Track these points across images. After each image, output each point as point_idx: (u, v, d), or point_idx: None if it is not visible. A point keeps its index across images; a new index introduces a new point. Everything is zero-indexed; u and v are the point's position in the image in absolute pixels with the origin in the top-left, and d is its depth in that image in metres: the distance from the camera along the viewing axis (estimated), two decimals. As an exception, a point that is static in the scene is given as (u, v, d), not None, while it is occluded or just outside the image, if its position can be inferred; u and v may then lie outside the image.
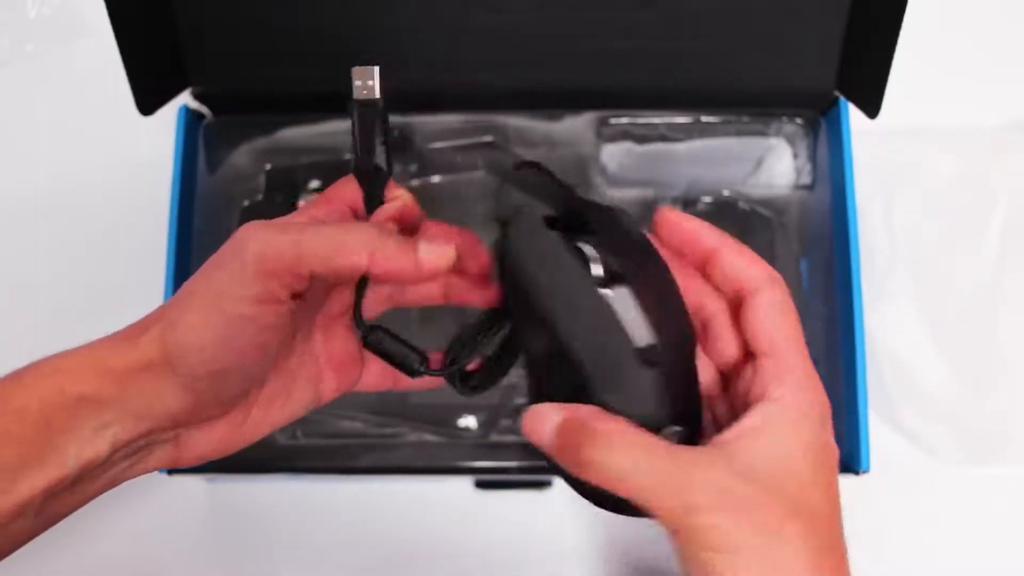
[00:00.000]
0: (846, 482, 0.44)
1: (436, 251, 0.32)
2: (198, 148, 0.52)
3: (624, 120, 0.52)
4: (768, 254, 0.52)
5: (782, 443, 0.29)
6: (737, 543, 0.27)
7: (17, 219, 0.58)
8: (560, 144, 0.52)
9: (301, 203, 0.52)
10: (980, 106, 0.58)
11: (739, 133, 0.52)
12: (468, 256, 0.35)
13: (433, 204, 0.37)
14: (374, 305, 0.37)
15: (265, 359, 0.32)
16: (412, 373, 0.35)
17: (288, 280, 0.30)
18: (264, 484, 0.53)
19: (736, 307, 0.32)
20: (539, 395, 0.33)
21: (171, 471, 0.46)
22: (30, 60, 0.61)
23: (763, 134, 0.52)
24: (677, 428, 0.31)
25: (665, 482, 0.28)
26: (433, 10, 0.48)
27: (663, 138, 0.52)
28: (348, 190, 0.35)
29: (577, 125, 0.52)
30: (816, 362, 0.32)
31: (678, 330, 0.32)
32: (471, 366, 0.36)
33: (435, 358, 0.36)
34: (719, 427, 0.31)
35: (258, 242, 0.30)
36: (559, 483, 0.52)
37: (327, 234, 0.31)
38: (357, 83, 0.34)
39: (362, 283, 0.34)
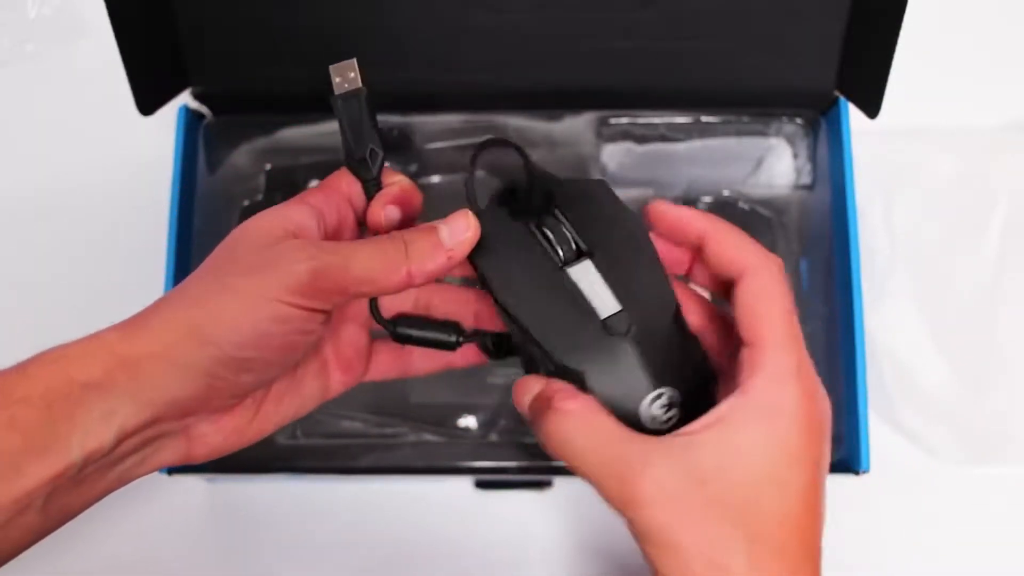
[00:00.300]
0: (846, 482, 0.45)
1: (458, 228, 0.32)
2: (198, 148, 0.52)
3: (624, 120, 0.52)
4: (768, 254, 0.52)
5: (744, 438, 0.28)
6: (677, 542, 0.27)
7: (17, 219, 0.58)
8: (560, 144, 0.52)
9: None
10: (980, 106, 0.58)
11: (739, 133, 0.52)
12: None
13: (433, 204, 0.37)
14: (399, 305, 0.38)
15: (291, 357, 0.33)
16: (453, 346, 0.36)
17: (336, 299, 0.31)
18: (264, 484, 0.53)
19: (726, 291, 0.33)
20: (529, 371, 0.34)
21: (171, 471, 0.46)
22: (30, 60, 0.61)
23: (763, 134, 0.52)
24: (663, 391, 0.31)
25: (612, 470, 0.28)
26: (433, 10, 0.48)
27: (663, 138, 0.52)
28: (343, 183, 0.35)
29: (577, 125, 0.52)
30: (816, 362, 0.31)
31: (654, 295, 0.32)
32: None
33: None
34: None
35: (314, 260, 0.30)
36: (559, 483, 0.52)
37: (372, 256, 0.31)
38: (337, 79, 0.35)
39: None
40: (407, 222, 0.35)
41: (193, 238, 0.50)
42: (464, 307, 0.38)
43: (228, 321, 0.30)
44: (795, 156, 0.52)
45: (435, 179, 0.53)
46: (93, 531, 0.52)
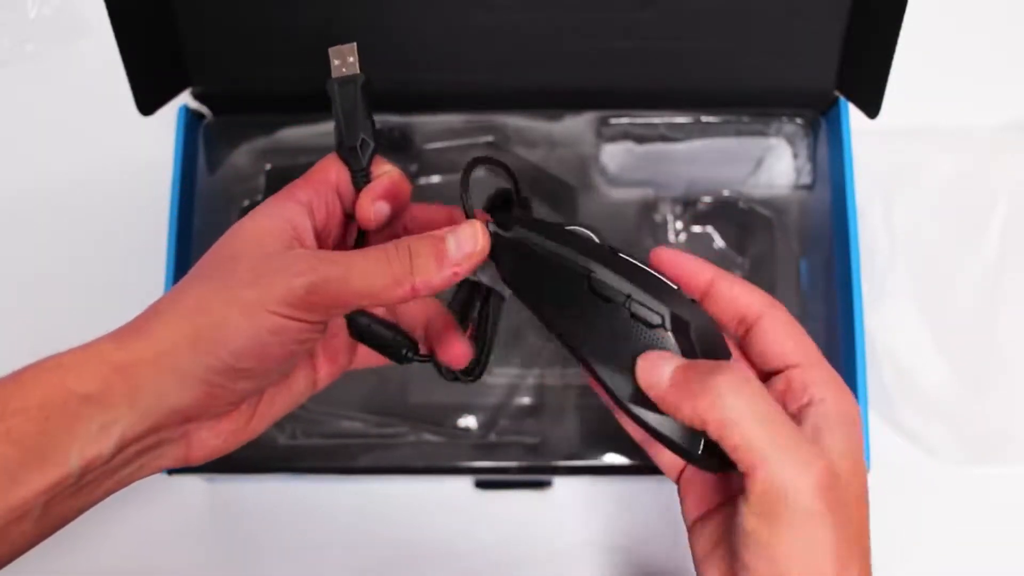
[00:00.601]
0: (846, 482, 0.45)
1: (466, 240, 0.32)
2: (198, 148, 0.52)
3: (624, 120, 0.52)
4: (768, 254, 0.52)
5: (837, 443, 0.30)
6: (803, 512, 0.28)
7: (17, 219, 0.58)
8: (560, 144, 0.52)
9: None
10: (980, 106, 0.58)
11: (739, 133, 0.52)
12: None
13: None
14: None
15: (289, 365, 0.33)
16: (401, 360, 0.35)
17: (336, 312, 0.31)
18: (264, 484, 0.53)
19: (742, 332, 0.34)
20: (605, 357, 0.32)
21: (171, 471, 0.46)
22: (30, 60, 0.61)
23: (763, 134, 0.52)
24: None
25: (777, 444, 0.28)
26: (433, 10, 0.48)
27: (663, 138, 0.52)
28: (332, 170, 0.35)
29: (577, 125, 0.52)
30: (816, 362, 0.32)
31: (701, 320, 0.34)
32: None
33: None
34: None
35: (315, 273, 0.30)
36: (559, 483, 0.52)
37: (374, 269, 0.31)
38: (336, 63, 0.34)
39: None
40: (396, 215, 0.35)
41: (193, 238, 0.50)
42: (420, 315, 0.37)
43: (229, 331, 0.30)
44: (795, 156, 0.52)
45: (435, 179, 0.53)
46: (93, 531, 0.52)
